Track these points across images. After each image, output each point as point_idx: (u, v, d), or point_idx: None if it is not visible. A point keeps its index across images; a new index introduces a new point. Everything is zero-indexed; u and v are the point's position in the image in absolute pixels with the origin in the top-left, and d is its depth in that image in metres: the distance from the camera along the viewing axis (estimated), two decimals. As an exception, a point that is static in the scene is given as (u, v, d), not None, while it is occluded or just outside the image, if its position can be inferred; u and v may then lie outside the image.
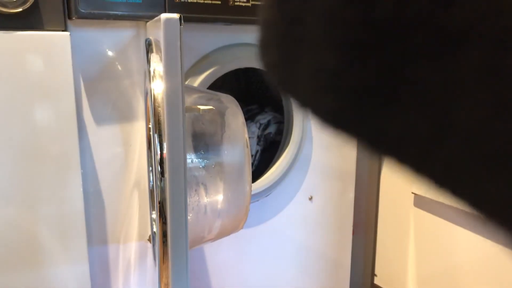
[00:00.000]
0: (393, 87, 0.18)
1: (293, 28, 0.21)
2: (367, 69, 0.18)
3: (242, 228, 0.87)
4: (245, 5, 0.89)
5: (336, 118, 0.21)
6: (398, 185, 1.16)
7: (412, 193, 1.10)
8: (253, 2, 0.90)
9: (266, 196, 1.06)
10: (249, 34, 0.94)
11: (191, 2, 0.84)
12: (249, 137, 1.04)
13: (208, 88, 0.91)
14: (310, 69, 0.21)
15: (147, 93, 0.82)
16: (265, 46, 0.24)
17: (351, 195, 1.19)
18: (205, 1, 0.85)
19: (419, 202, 1.10)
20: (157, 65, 0.64)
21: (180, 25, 0.61)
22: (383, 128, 0.19)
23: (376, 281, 1.27)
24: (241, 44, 0.95)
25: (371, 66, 0.18)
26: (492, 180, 0.17)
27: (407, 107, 0.18)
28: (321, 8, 0.19)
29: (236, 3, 0.88)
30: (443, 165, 0.18)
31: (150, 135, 0.86)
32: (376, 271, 1.27)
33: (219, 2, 0.86)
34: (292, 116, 1.04)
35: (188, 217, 0.67)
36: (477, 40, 0.15)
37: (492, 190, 0.17)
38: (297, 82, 0.22)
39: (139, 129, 0.90)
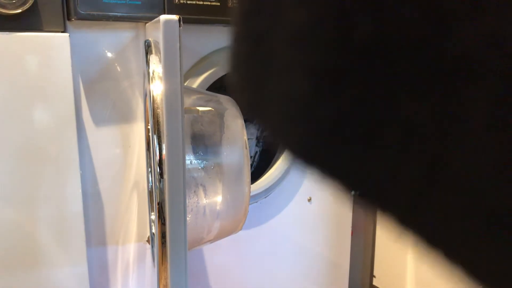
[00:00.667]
0: (374, 122, 0.15)
1: (259, 47, 0.18)
2: (343, 99, 0.16)
3: (241, 229, 0.87)
4: (244, 7, 0.89)
5: (307, 153, 0.18)
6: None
7: (411, 194, 1.10)
8: (252, 4, 0.90)
9: (265, 197, 1.06)
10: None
11: (190, 4, 0.84)
12: (248, 138, 1.04)
13: (207, 90, 0.91)
14: (278, 95, 0.18)
15: (146, 95, 0.82)
16: (232, 64, 0.21)
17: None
18: (204, 3, 0.86)
19: (418, 203, 1.10)
20: (156, 66, 0.64)
21: (179, 26, 0.61)
22: (360, 169, 0.17)
23: (375, 282, 1.27)
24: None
25: (347, 96, 0.16)
26: (490, 244, 0.14)
27: (390, 147, 0.15)
28: (291, 25, 0.17)
29: (235, 5, 0.88)
30: (433, 219, 0.15)
31: (149, 136, 0.86)
32: (375, 272, 1.27)
33: (218, 4, 0.87)
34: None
35: (187, 218, 0.67)
36: (481, 72, 0.13)
37: (490, 255, 0.14)
38: (264, 108, 0.20)
39: (138, 130, 0.90)
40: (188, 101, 0.77)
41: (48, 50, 0.75)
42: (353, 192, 0.18)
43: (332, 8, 0.15)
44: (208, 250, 1.03)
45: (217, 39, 0.93)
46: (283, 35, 0.17)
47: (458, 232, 0.15)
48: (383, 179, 0.16)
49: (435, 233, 0.16)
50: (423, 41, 0.13)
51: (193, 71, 0.89)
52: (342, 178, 0.18)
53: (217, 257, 1.05)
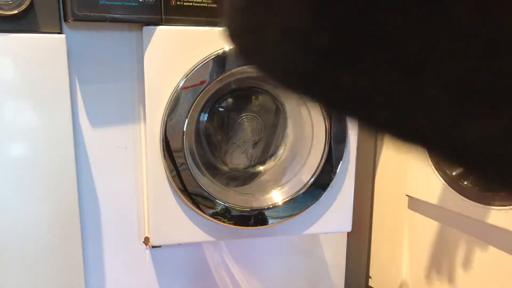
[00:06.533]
0: (362, 43, 0.18)
1: None
2: (334, 27, 0.18)
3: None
4: (241, 8, 0.89)
5: (302, 78, 0.20)
6: (392, 187, 1.16)
7: (406, 195, 1.11)
8: (249, 6, 0.90)
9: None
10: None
11: (187, 5, 0.84)
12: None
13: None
14: (277, 31, 0.21)
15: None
16: (231, 13, 0.24)
17: (346, 197, 1.20)
18: (201, 4, 0.86)
19: (413, 204, 1.11)
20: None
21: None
22: (351, 86, 0.18)
23: (371, 283, 1.28)
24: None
25: (337, 23, 0.18)
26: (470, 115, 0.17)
27: (376, 62, 0.17)
28: None
29: None
30: (420, 114, 0.18)
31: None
32: (371, 273, 1.28)
33: (215, 5, 0.86)
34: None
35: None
36: None
37: (470, 128, 0.17)
38: (263, 46, 0.22)
39: (135, 131, 0.90)
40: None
41: (45, 51, 0.75)
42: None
43: None
44: (203, 250, 1.04)
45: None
46: None
47: (447, 114, 0.17)
48: (371, 90, 0.18)
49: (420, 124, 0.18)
50: None
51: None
52: (332, 96, 0.20)
53: (212, 257, 1.05)
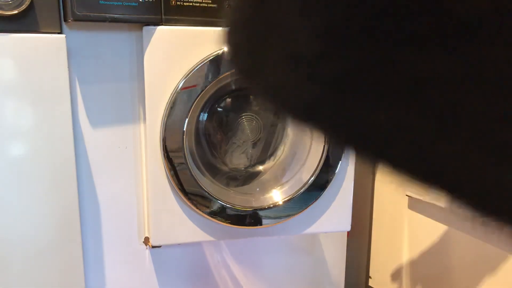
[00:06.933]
0: (381, 78, 0.15)
1: (264, 10, 0.18)
2: (350, 57, 0.16)
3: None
4: (240, 8, 0.89)
5: (304, 107, 0.18)
6: (392, 187, 1.16)
7: (406, 195, 1.11)
8: (248, 6, 0.90)
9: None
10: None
11: (187, 5, 0.84)
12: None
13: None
14: (280, 55, 0.18)
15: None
16: (232, 28, 0.21)
17: (346, 197, 1.20)
18: (201, 4, 0.86)
19: (413, 204, 1.11)
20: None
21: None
22: (368, 121, 0.16)
23: (371, 283, 1.28)
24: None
25: (355, 54, 0.16)
26: (505, 172, 0.15)
27: (399, 100, 0.15)
28: None
29: (232, 6, 0.88)
30: (448, 161, 0.16)
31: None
32: (371, 273, 1.28)
33: (215, 5, 0.87)
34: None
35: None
36: (493, 32, 0.13)
37: (503, 183, 0.15)
38: (263, 70, 0.19)
39: (135, 131, 0.90)
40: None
41: (45, 52, 0.75)
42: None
43: None
44: (202, 250, 1.03)
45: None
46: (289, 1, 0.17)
47: (475, 167, 0.15)
48: (392, 130, 0.16)
49: (450, 172, 0.16)
50: (438, 1, 0.13)
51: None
52: (347, 132, 0.18)
53: (214, 257, 1.05)
